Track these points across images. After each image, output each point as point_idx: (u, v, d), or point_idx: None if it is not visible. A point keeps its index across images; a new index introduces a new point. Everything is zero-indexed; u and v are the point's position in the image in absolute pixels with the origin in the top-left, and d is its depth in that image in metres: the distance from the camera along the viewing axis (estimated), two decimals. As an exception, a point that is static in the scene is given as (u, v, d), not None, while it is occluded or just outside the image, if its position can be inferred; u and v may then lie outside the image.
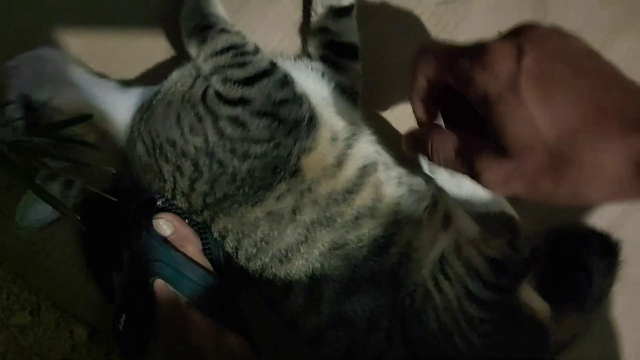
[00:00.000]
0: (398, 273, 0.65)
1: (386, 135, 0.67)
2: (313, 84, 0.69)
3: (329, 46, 0.71)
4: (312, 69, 0.70)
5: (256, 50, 0.67)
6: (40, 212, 0.64)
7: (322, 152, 0.65)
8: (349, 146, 0.67)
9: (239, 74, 0.64)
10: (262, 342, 0.70)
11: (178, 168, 0.65)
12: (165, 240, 0.69)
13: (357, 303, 0.65)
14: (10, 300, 0.79)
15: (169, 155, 0.65)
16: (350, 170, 0.65)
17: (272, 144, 0.63)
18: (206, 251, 0.71)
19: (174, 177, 0.66)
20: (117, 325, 0.71)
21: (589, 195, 0.34)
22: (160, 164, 0.66)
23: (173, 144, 0.65)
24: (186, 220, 0.70)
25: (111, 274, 0.73)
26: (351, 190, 0.65)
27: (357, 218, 0.65)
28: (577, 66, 0.35)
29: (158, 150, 0.65)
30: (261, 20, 0.72)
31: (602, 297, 0.72)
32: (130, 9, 0.72)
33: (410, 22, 0.71)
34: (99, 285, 0.75)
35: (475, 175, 0.39)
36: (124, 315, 0.71)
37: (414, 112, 0.46)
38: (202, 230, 0.71)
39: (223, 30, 0.67)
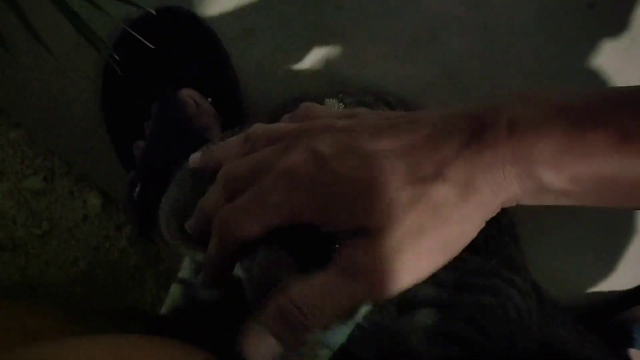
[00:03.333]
0: None
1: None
2: None
3: None
4: None
5: None
6: None
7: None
8: None
9: None
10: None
11: None
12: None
13: None
14: (23, 165, 0.79)
15: None
16: None
17: None
18: None
19: None
20: (131, 194, 0.71)
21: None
22: None
23: None
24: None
25: (131, 142, 0.72)
26: None
27: None
28: None
29: None
30: None
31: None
32: None
33: None
34: (117, 153, 0.74)
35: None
36: (139, 184, 0.70)
37: None
38: None
39: None
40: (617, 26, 0.69)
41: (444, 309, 0.55)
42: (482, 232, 0.56)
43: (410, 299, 0.57)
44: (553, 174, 0.31)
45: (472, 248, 0.56)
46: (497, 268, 0.56)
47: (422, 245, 0.32)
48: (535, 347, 0.59)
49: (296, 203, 0.33)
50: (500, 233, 0.58)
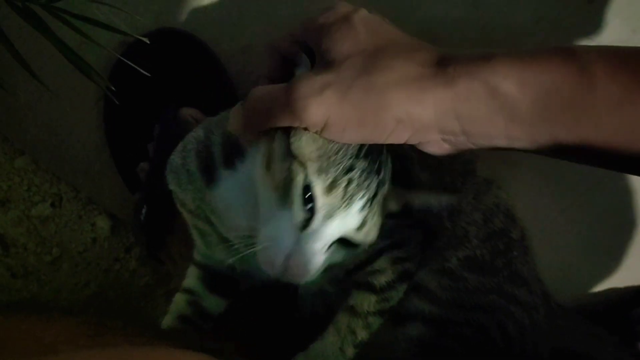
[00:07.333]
0: None
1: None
2: None
3: None
4: None
5: None
6: None
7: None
8: None
9: None
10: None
11: None
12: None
13: None
14: (31, 192, 0.79)
15: None
16: None
17: None
18: None
19: None
20: (138, 217, 0.71)
21: (390, 96, 0.41)
22: None
23: None
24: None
25: (135, 165, 0.72)
26: None
27: None
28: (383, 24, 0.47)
29: None
30: None
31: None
32: None
33: None
34: (122, 176, 0.74)
35: (291, 95, 0.42)
36: (145, 206, 0.70)
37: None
38: None
39: None
40: (616, 20, 0.68)
41: (434, 325, 0.55)
42: (489, 248, 0.56)
43: (403, 313, 0.57)
44: (502, 76, 0.39)
45: (478, 265, 0.56)
46: (498, 285, 0.56)
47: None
48: (545, 355, 0.58)
49: None
50: (508, 247, 0.58)
